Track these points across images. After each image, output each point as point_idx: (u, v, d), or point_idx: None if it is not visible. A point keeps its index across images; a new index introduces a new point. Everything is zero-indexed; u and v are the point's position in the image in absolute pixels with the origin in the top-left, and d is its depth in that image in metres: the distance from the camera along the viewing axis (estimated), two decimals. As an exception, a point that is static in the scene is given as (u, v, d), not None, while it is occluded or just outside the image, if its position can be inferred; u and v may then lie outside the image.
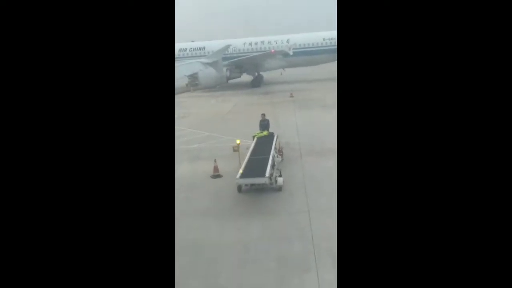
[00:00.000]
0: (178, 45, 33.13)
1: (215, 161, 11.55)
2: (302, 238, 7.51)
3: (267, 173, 9.55)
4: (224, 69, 31.68)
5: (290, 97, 25.84)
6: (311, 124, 17.17)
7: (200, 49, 34.69)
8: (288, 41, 33.64)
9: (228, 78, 32.68)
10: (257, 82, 34.15)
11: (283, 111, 20.90)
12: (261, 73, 36.53)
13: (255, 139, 12.71)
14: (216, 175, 11.26)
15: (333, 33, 32.46)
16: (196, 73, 30.83)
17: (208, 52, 33.75)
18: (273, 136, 12.73)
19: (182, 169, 11.94)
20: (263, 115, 14.06)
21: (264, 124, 13.72)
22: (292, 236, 7.62)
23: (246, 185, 9.80)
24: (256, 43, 34.33)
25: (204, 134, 16.92)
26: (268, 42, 34.18)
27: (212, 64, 31.05)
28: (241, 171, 9.90)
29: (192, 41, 37.05)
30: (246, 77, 35.05)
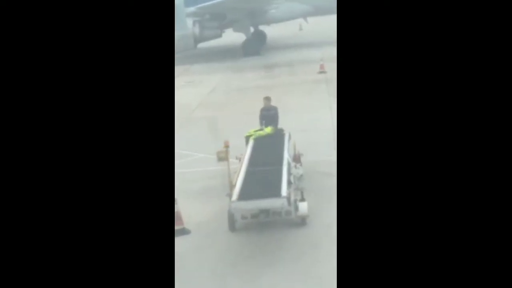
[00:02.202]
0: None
1: (175, 202, 11.40)
2: None
3: (284, 191, 10.48)
4: (189, 21, 32.11)
5: (320, 72, 26.16)
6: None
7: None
8: (312, -35, 34.19)
9: (198, 40, 33.09)
10: (254, 46, 34.58)
11: (306, 101, 21.06)
12: (262, 28, 37.17)
13: (251, 141, 13.83)
14: (179, 229, 11.34)
15: None
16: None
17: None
18: (283, 135, 13.94)
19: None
20: (267, 99, 14.92)
21: (270, 115, 14.60)
22: None
23: (244, 217, 10.93)
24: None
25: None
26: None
27: (166, 13, 31.16)
28: (236, 191, 10.90)
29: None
30: (232, 37, 35.67)
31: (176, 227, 11.24)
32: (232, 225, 11.19)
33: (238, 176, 11.70)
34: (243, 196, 10.70)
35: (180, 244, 10.75)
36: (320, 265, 9.72)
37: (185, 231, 11.39)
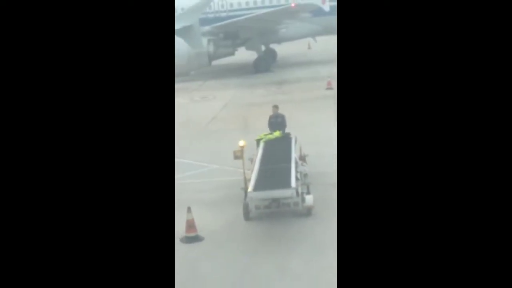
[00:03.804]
0: None
1: (189, 210, 11.62)
2: None
3: (293, 183, 11.70)
4: (204, 40, 32.09)
5: (327, 89, 26.24)
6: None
7: (159, 4, 34.95)
8: (320, -13, 34.23)
9: (212, 57, 33.08)
10: (264, 64, 34.63)
11: (313, 116, 21.21)
12: (273, 46, 37.12)
13: (262, 143, 14.87)
14: (192, 236, 11.42)
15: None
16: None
17: (176, 11, 34.03)
18: (290, 139, 15.06)
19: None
20: (276, 107, 16.25)
21: (277, 121, 15.62)
22: None
23: (257, 207, 11.88)
24: (261, -7, 34.94)
25: (169, 161, 16.92)
26: (284, -10, 34.73)
27: (182, 32, 31.14)
28: (251, 184, 12.09)
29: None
30: (244, 55, 35.55)
31: (190, 234, 11.45)
32: (247, 215, 12.04)
33: (252, 172, 12.68)
34: (257, 188, 11.75)
35: (196, 248, 11.15)
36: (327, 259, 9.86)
37: (198, 238, 11.47)
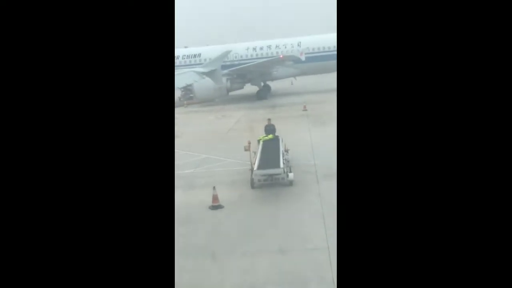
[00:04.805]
0: (169, 52, 33.50)
1: (214, 189, 11.65)
2: (321, 279, 7.56)
3: (281, 165, 12.42)
4: (224, 79, 32.09)
5: (303, 110, 26.17)
6: (328, 143, 17.22)
7: (194, 56, 35.25)
8: (299, 45, 34.11)
9: (229, 90, 33.06)
10: (263, 94, 34.52)
11: (295, 127, 21.15)
12: (268, 83, 36.95)
13: (261, 142, 15.14)
14: (216, 205, 11.37)
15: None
16: (190, 85, 30.92)
17: (205, 60, 34.27)
18: (278, 138, 15.48)
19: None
20: (269, 120, 16.71)
21: (270, 129, 16.22)
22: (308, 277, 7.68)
23: (259, 180, 12.47)
24: (261, 48, 34.87)
25: (201, 157, 17.05)
26: (276, 46, 34.68)
27: (209, 74, 31.40)
28: (255, 166, 12.73)
29: (185, 47, 37.68)
30: (250, 88, 35.52)
31: (215, 204, 11.39)
32: (253, 185, 12.57)
33: (255, 159, 13.28)
34: (259, 168, 12.46)
35: (219, 212, 11.14)
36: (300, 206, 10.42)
37: (220, 206, 11.42)
